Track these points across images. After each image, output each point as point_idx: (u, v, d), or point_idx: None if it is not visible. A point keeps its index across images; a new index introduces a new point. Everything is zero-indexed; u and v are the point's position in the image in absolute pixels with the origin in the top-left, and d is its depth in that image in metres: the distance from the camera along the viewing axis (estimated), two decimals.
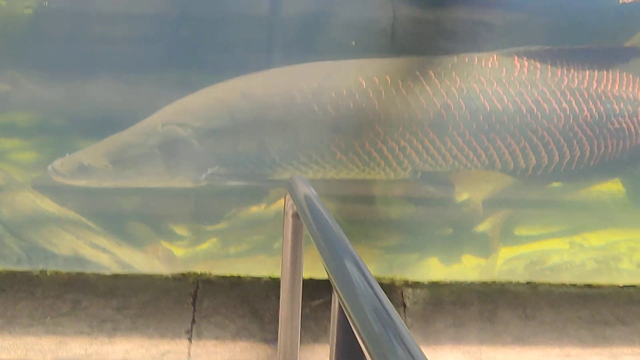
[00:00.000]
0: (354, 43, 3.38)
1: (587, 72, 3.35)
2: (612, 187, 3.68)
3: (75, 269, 3.50)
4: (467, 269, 3.61)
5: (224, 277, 3.53)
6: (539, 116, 3.32)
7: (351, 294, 1.50)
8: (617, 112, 3.37)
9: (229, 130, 3.31)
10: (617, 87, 3.38)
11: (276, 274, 3.46)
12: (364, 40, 3.39)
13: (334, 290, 1.60)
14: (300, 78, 3.32)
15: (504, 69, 3.31)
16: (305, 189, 2.16)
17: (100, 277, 3.49)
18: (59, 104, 3.43)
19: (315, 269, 3.41)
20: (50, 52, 3.37)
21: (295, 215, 2.18)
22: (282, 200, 3.43)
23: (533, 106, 3.31)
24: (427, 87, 3.26)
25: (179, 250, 3.59)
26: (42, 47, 3.36)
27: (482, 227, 3.64)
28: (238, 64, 3.36)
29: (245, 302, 3.41)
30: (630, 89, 3.39)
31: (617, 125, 3.37)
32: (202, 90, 3.39)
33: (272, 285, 3.47)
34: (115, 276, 3.50)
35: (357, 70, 3.31)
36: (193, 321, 3.30)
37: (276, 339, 3.05)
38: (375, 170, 3.35)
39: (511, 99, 3.30)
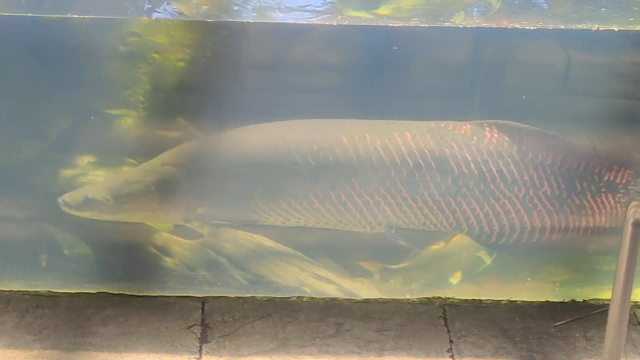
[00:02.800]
0: (523, 97, 3.53)
1: (552, 149, 3.48)
2: None
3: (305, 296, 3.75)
4: None
5: (468, 301, 3.74)
6: (502, 185, 3.46)
7: None
8: (580, 190, 3.49)
9: (219, 174, 3.52)
10: (581, 167, 3.50)
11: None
12: (539, 83, 3.54)
13: None
14: (288, 131, 3.53)
15: (475, 137, 3.47)
16: None
17: (354, 303, 3.72)
18: None
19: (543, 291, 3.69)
20: (210, 103, 3.58)
21: (637, 224, 2.25)
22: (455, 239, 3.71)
23: (497, 175, 3.46)
24: (402, 148, 3.44)
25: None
26: (201, 97, 3.57)
27: None
28: (419, 112, 3.53)
29: (494, 324, 3.62)
30: (597, 170, 3.51)
31: (577, 202, 3.50)
32: (206, 137, 3.61)
33: (513, 307, 3.71)
34: (366, 301, 3.74)
35: (341, 128, 3.51)
36: (450, 341, 3.52)
37: (530, 357, 3.42)
38: (352, 222, 3.53)
39: (477, 166, 3.45)
